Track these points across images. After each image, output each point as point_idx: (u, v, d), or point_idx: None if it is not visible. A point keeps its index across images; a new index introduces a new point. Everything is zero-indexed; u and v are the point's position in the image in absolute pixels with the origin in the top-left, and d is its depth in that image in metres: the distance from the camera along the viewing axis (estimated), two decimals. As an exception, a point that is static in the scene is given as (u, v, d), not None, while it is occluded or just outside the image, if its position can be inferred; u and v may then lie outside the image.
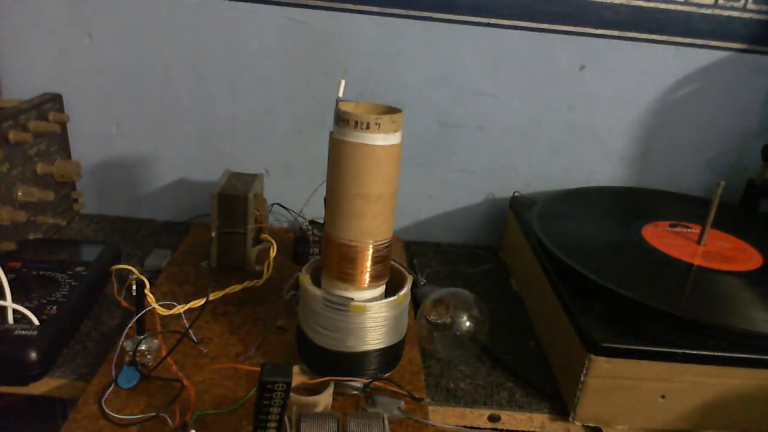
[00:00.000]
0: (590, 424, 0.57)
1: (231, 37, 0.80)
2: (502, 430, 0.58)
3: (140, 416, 0.50)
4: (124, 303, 0.64)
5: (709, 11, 0.81)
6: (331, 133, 0.50)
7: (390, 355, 0.55)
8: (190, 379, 0.54)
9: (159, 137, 0.86)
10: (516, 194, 0.87)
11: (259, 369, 0.40)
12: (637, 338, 0.54)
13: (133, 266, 0.65)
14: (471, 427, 0.57)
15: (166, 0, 0.78)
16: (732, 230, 0.73)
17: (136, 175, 0.88)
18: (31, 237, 0.73)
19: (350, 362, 0.53)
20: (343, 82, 0.50)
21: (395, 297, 0.53)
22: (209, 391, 0.54)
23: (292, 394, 0.40)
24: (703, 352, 0.54)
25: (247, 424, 0.50)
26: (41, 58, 0.81)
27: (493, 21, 0.80)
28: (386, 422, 0.45)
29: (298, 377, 0.51)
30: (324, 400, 0.51)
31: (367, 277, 0.52)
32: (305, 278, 0.54)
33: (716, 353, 0.54)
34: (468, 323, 0.62)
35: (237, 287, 0.69)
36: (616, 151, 0.89)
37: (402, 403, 0.53)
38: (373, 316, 0.52)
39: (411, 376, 0.58)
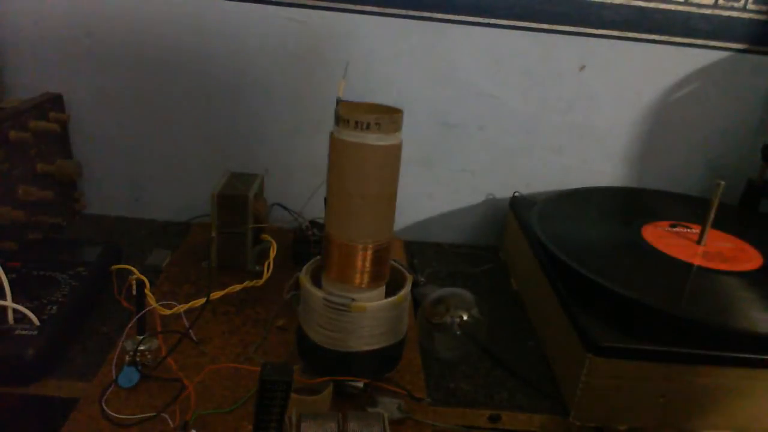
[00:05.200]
0: (590, 424, 0.57)
1: (231, 37, 0.80)
2: (502, 430, 0.58)
3: (140, 416, 0.50)
4: (124, 303, 0.64)
5: (709, 11, 0.81)
6: (332, 133, 0.50)
7: (390, 355, 0.55)
8: (190, 379, 0.54)
9: (159, 137, 0.86)
10: (516, 194, 0.87)
11: (259, 369, 0.40)
12: (637, 338, 0.54)
13: (133, 266, 0.65)
14: (471, 427, 0.57)
15: (166, 0, 0.79)
16: (732, 230, 0.73)
17: (136, 176, 0.88)
18: (31, 237, 0.73)
19: (350, 362, 0.53)
20: (343, 82, 0.50)
21: (395, 297, 0.53)
22: (209, 391, 0.54)
23: (292, 394, 0.40)
24: (703, 352, 0.54)
25: (248, 424, 0.50)
26: (41, 58, 0.81)
27: (493, 21, 0.80)
28: (386, 422, 0.45)
29: (298, 377, 0.51)
30: (324, 400, 0.51)
31: (367, 278, 0.52)
32: (305, 278, 0.54)
33: (716, 353, 0.54)
34: (468, 323, 0.62)
35: (237, 287, 0.69)
36: (616, 151, 0.89)
37: (402, 403, 0.53)
38: (373, 316, 0.52)
39: (411, 376, 0.58)
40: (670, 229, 0.73)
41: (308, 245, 0.76)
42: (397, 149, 0.49)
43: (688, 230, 0.73)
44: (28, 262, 0.66)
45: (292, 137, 0.86)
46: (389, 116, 0.48)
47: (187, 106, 0.84)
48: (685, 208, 0.80)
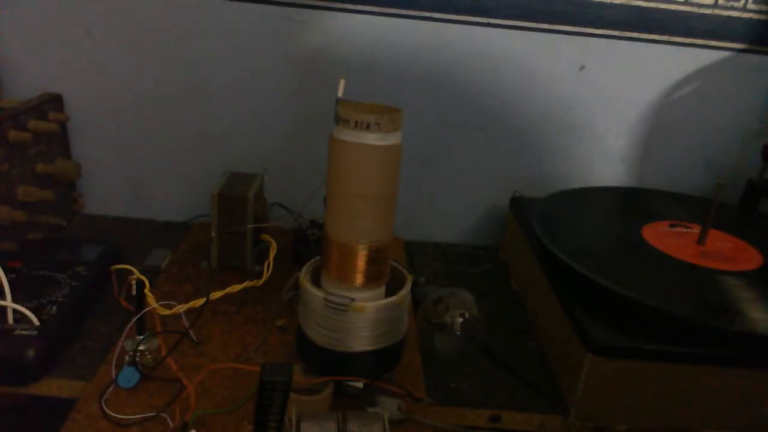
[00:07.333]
0: (590, 424, 0.57)
1: (231, 37, 0.80)
2: (502, 430, 0.58)
3: (140, 416, 0.50)
4: (124, 303, 0.64)
5: (709, 11, 0.81)
6: (331, 133, 0.50)
7: (390, 355, 0.55)
8: (190, 379, 0.54)
9: (159, 137, 0.86)
10: (516, 194, 0.87)
11: (258, 369, 0.40)
12: (637, 338, 0.54)
13: (133, 266, 0.65)
14: (471, 427, 0.57)
15: (166, 0, 0.78)
16: (732, 230, 0.73)
17: (136, 175, 0.88)
18: (31, 237, 0.73)
19: (350, 362, 0.53)
20: (342, 82, 0.50)
21: (395, 297, 0.53)
22: (209, 391, 0.54)
23: (292, 394, 0.40)
24: (704, 352, 0.54)
25: (248, 424, 0.50)
26: (41, 57, 0.81)
27: (493, 21, 0.80)
28: (386, 422, 0.45)
29: (298, 377, 0.51)
30: (324, 400, 0.51)
31: (366, 278, 0.52)
32: (305, 278, 0.54)
33: (716, 353, 0.54)
34: (468, 323, 0.62)
35: (237, 287, 0.69)
36: (616, 151, 0.89)
37: (402, 403, 0.53)
38: (373, 316, 0.52)
39: (411, 376, 0.58)
40: (670, 229, 0.73)
41: (308, 245, 0.75)
42: (397, 149, 0.49)
43: (688, 230, 0.73)
44: (28, 262, 0.66)
45: (292, 137, 0.86)
46: (389, 116, 0.48)
47: (186, 106, 0.84)
48: (685, 208, 0.80)
